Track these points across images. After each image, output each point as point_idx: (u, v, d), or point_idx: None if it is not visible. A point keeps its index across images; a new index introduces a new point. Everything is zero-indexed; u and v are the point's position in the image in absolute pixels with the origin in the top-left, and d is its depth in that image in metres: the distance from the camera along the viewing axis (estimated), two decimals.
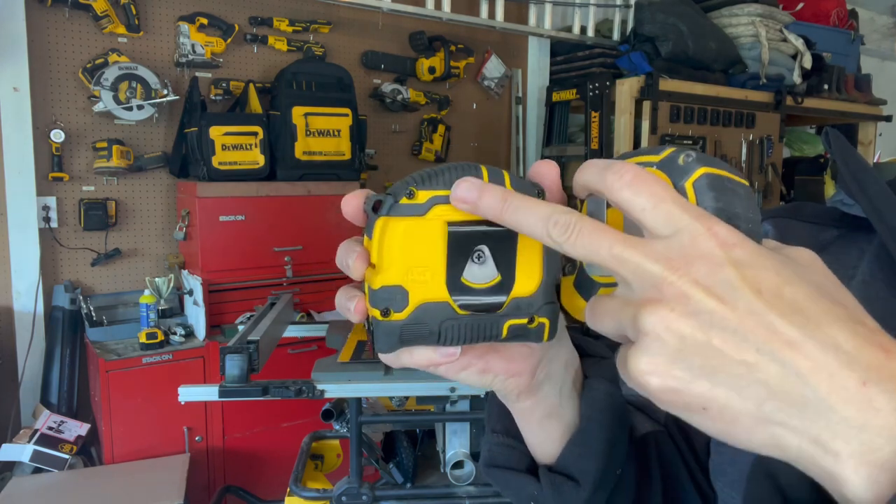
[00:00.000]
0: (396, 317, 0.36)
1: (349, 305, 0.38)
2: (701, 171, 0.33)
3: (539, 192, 0.37)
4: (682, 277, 0.28)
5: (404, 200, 0.36)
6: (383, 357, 0.39)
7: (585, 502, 0.48)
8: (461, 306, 0.36)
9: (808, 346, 0.27)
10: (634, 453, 0.54)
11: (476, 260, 0.37)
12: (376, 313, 0.36)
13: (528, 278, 0.37)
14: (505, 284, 0.37)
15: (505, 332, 0.37)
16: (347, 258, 0.37)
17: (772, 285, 0.28)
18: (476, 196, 0.34)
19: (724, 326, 0.27)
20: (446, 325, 0.36)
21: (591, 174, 0.32)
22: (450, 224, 0.36)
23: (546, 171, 0.38)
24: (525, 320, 0.37)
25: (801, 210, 0.58)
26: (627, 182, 0.30)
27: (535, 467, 0.51)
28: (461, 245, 0.36)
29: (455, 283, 0.36)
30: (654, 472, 0.56)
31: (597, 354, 0.52)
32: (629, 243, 0.30)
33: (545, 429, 0.49)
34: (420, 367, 0.38)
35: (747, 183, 0.34)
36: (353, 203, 0.37)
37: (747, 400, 0.27)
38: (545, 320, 0.38)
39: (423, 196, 0.36)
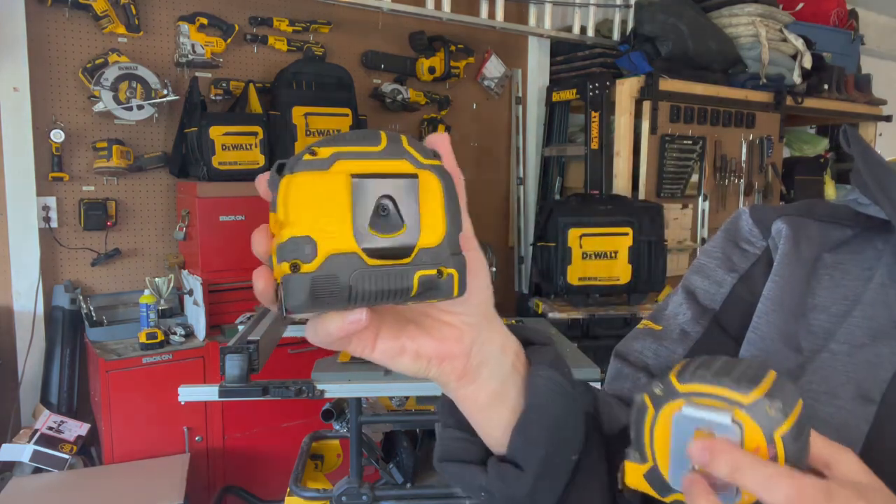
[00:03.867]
0: (306, 268, 0.35)
1: (257, 284, 0.38)
2: (788, 422, 0.37)
3: (437, 156, 0.40)
4: None
5: (307, 157, 0.37)
6: (301, 321, 0.39)
7: (531, 489, 0.48)
8: (370, 256, 0.36)
9: None
10: (616, 444, 0.54)
11: (381, 211, 0.37)
12: (285, 268, 0.35)
13: (432, 229, 0.38)
14: (410, 234, 0.38)
15: (415, 284, 0.37)
16: (253, 239, 0.38)
17: None
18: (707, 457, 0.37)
19: None
20: (356, 277, 0.36)
21: (741, 470, 0.36)
22: (354, 175, 0.37)
23: (439, 141, 0.41)
24: (434, 271, 0.38)
25: (815, 208, 0.58)
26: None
27: (487, 459, 0.51)
28: (366, 196, 0.37)
29: (362, 233, 0.37)
30: None
31: (538, 342, 0.52)
32: None
33: (492, 417, 0.48)
34: (333, 337, 0.38)
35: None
36: (264, 181, 0.38)
37: None
38: (453, 271, 0.38)
39: (325, 152, 0.37)
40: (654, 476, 0.41)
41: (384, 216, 0.37)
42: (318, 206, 0.36)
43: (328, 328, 0.38)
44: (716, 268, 0.60)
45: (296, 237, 0.36)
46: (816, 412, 0.48)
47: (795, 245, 0.56)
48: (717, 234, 0.64)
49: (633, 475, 0.42)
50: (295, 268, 0.36)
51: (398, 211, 0.37)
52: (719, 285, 0.59)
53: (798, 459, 0.37)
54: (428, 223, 0.38)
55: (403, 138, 0.38)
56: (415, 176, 0.38)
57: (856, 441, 0.45)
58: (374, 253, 0.37)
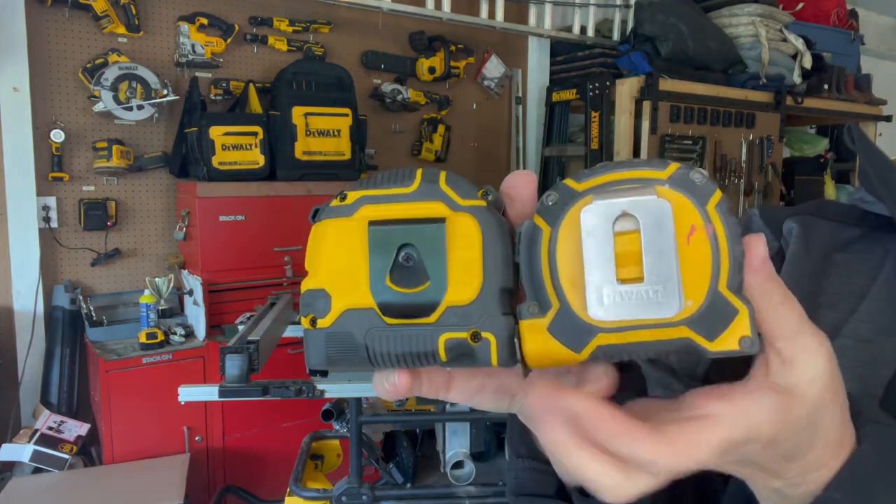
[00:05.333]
0: (321, 324, 0.33)
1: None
2: (718, 192, 0.30)
3: (485, 195, 0.33)
4: None
5: (335, 202, 0.34)
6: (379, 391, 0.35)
7: None
8: (387, 313, 0.32)
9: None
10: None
11: (403, 261, 0.32)
12: (306, 323, 0.33)
13: (464, 283, 0.32)
14: (435, 289, 0.32)
15: (442, 348, 0.32)
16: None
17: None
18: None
19: None
20: (372, 336, 0.32)
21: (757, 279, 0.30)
22: (371, 223, 0.32)
23: (521, 183, 0.34)
24: (465, 334, 0.32)
25: (825, 208, 0.58)
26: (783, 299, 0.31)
27: (565, 491, 0.47)
28: (386, 245, 0.32)
29: (380, 287, 0.32)
30: (688, 487, 0.52)
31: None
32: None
33: None
34: (387, 396, 0.35)
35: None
36: None
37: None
38: (490, 336, 0.32)
39: (352, 197, 0.33)
40: (563, 323, 0.31)
41: (407, 267, 0.32)
42: (336, 257, 0.33)
43: (376, 389, 0.35)
44: None
45: (311, 290, 0.33)
46: None
47: (805, 244, 0.55)
48: None
49: (534, 340, 0.31)
50: (313, 322, 0.33)
51: (424, 260, 0.32)
52: None
53: (734, 236, 0.30)
54: (458, 276, 0.32)
55: (443, 175, 0.33)
56: (441, 220, 0.32)
57: None
58: (392, 309, 0.32)
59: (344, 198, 0.33)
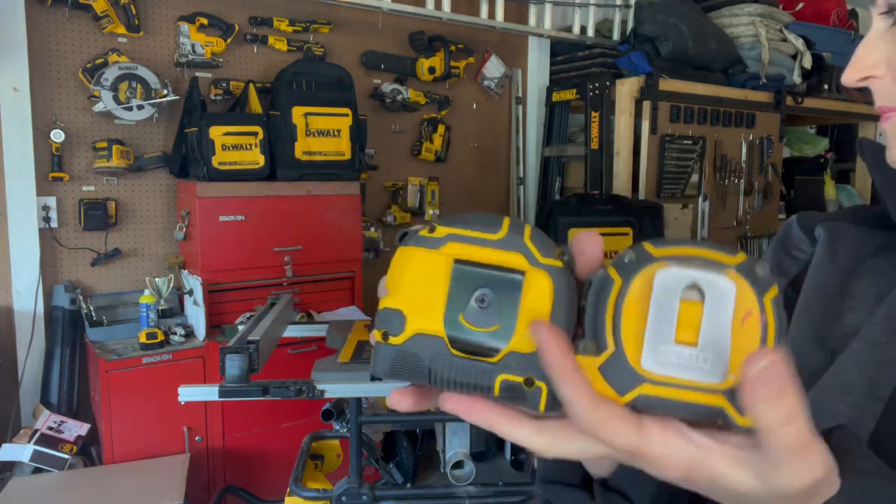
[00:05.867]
0: (393, 340, 0.36)
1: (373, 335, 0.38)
2: (776, 287, 0.33)
3: (562, 255, 0.36)
4: None
5: (424, 233, 0.37)
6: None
7: None
8: (454, 346, 0.35)
9: None
10: None
11: (479, 302, 0.35)
12: (378, 335, 0.36)
13: (528, 335, 0.35)
14: (503, 333, 0.35)
15: (497, 386, 0.35)
16: (379, 285, 0.39)
17: None
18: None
19: None
20: (437, 361, 0.35)
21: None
22: (457, 261, 0.36)
23: (589, 245, 0.37)
24: (521, 379, 0.35)
25: (858, 213, 0.58)
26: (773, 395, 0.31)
27: (589, 480, 0.49)
28: (465, 284, 0.36)
29: (453, 320, 0.36)
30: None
31: None
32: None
33: None
34: (456, 413, 0.37)
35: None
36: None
37: None
38: (543, 385, 0.35)
39: (441, 231, 0.37)
40: (614, 366, 0.34)
41: (482, 308, 0.35)
42: (417, 284, 0.36)
43: (447, 406, 0.37)
44: None
45: (389, 308, 0.36)
46: (827, 407, 0.48)
47: (831, 249, 0.56)
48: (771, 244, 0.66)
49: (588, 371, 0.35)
50: (385, 336, 0.36)
51: (497, 305, 0.35)
52: None
53: (782, 330, 0.33)
54: (525, 327, 0.35)
55: (527, 229, 0.36)
56: (521, 273, 0.35)
57: (863, 436, 0.46)
58: (460, 343, 0.35)
59: (433, 230, 0.37)
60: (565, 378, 0.33)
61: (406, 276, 0.36)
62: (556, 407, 0.35)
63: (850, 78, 0.51)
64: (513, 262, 0.36)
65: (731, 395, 0.32)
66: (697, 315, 0.33)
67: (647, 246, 0.35)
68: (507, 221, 0.36)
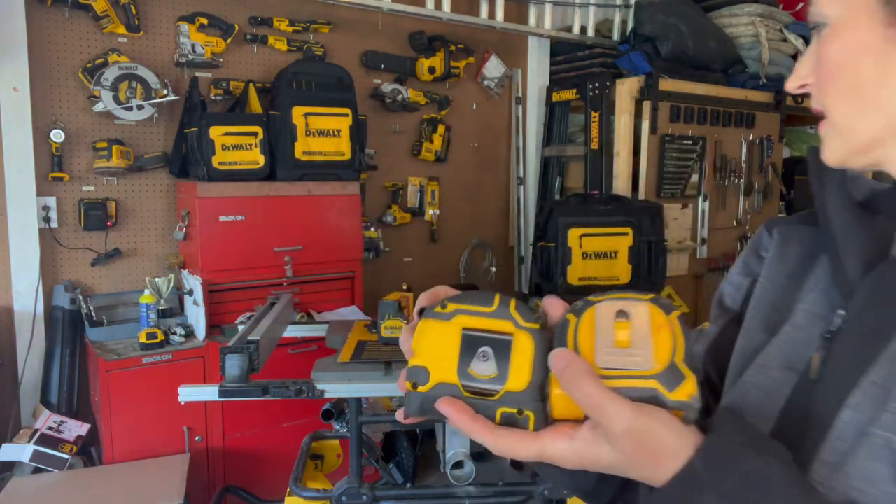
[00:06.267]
0: (421, 389, 0.51)
1: (400, 382, 0.53)
2: (678, 310, 0.50)
3: (538, 319, 0.51)
4: None
5: (438, 309, 0.52)
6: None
7: (595, 485, 0.59)
8: (466, 389, 0.50)
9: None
10: None
11: (481, 357, 0.50)
12: (408, 385, 0.51)
13: (518, 378, 0.50)
14: (500, 379, 0.50)
15: (497, 417, 0.50)
16: (402, 346, 0.55)
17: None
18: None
19: None
20: (424, 405, 0.51)
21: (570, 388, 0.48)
22: (465, 329, 0.51)
23: (555, 307, 0.53)
24: (515, 410, 0.50)
25: (812, 215, 0.64)
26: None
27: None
28: (471, 345, 0.51)
29: (464, 372, 0.50)
30: None
31: None
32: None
33: None
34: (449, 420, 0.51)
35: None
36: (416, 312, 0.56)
37: None
38: (531, 413, 0.50)
39: (451, 307, 0.52)
40: None
41: (484, 361, 0.50)
42: (437, 347, 0.51)
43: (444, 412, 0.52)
44: (737, 274, 0.71)
45: (416, 366, 0.51)
46: (755, 381, 0.59)
47: (782, 250, 0.66)
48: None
49: (563, 399, 0.49)
50: (414, 386, 0.51)
51: (495, 359, 0.50)
52: (738, 289, 0.70)
53: (687, 335, 0.49)
54: (516, 372, 0.50)
55: (512, 303, 0.52)
56: (510, 335, 0.51)
57: (779, 403, 0.56)
58: (470, 388, 0.50)
59: (445, 307, 0.52)
60: (473, 431, 0.50)
61: (426, 341, 0.51)
62: (542, 426, 0.50)
63: (790, 86, 0.60)
64: (504, 327, 0.51)
65: (660, 378, 0.47)
66: (627, 329, 0.49)
67: (591, 297, 0.52)
68: (497, 297, 0.52)
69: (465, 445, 2.18)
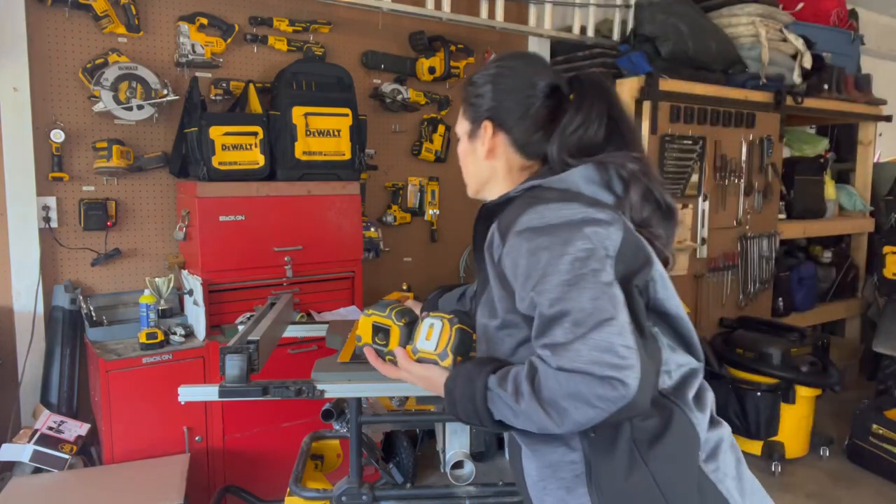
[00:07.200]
0: (359, 344, 1.35)
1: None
2: (458, 323, 1.21)
3: (404, 317, 1.32)
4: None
5: (366, 312, 1.34)
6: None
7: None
8: (374, 347, 1.33)
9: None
10: None
11: (379, 335, 1.31)
12: (358, 343, 1.37)
13: (393, 345, 1.30)
14: (386, 344, 1.30)
15: (385, 359, 1.30)
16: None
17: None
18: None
19: None
20: (361, 351, 1.35)
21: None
22: (374, 322, 1.32)
23: (416, 307, 1.62)
24: (391, 357, 1.29)
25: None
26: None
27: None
28: (376, 329, 1.32)
29: (374, 340, 1.32)
30: None
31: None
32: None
33: None
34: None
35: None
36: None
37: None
38: (393, 359, 1.28)
39: (369, 311, 1.34)
40: (412, 349, 1.23)
41: (380, 337, 1.32)
42: (363, 330, 1.34)
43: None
44: None
45: (358, 336, 1.35)
46: (484, 347, 1.17)
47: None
48: None
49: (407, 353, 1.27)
50: (359, 350, 1.36)
51: (383, 337, 1.31)
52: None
53: (462, 336, 1.19)
54: (392, 343, 1.30)
55: (396, 310, 1.31)
56: (389, 326, 1.31)
57: (496, 354, 1.14)
58: (375, 347, 1.33)
59: (367, 313, 1.33)
60: (375, 363, 1.31)
61: (361, 327, 1.33)
62: (395, 363, 1.27)
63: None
64: (388, 322, 1.30)
65: (439, 356, 1.18)
66: (432, 330, 1.20)
67: (432, 315, 1.24)
68: (389, 307, 1.31)
69: (465, 445, 2.18)
